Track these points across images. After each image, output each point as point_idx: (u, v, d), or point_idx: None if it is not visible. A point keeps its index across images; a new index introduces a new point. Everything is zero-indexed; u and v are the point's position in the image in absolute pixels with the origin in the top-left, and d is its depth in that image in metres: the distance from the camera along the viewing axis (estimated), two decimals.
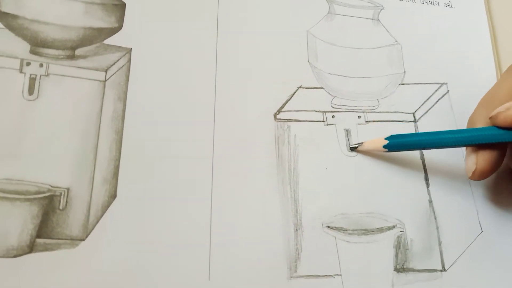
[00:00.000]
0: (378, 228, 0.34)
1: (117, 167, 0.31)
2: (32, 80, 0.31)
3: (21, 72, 0.31)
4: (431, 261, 0.34)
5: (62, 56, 0.32)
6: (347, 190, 0.35)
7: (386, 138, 0.35)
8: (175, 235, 0.31)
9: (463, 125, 0.38)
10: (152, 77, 0.34)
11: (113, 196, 0.31)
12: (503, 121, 0.31)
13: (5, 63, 0.31)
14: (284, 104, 0.36)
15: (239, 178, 0.33)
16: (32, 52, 0.32)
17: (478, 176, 0.33)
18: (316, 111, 0.37)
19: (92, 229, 0.30)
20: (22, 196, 0.29)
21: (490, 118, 0.32)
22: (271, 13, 0.38)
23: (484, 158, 0.32)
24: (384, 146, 0.35)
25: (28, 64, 0.31)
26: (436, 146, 0.34)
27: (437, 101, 0.39)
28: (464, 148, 0.36)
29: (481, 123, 0.33)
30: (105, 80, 0.32)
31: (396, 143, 0.35)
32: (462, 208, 0.36)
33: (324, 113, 0.37)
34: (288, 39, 0.38)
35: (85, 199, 0.30)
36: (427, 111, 0.38)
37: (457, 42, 0.42)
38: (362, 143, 0.36)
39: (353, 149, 0.36)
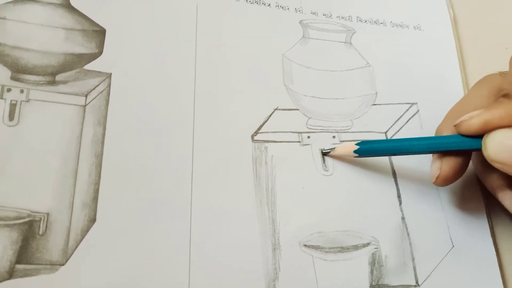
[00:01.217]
0: (353, 246, 0.35)
1: (96, 191, 0.32)
2: (13, 106, 0.31)
3: (1, 98, 0.31)
4: (405, 277, 0.35)
5: (42, 82, 0.32)
6: (323, 208, 0.36)
7: (357, 144, 0.36)
8: (154, 257, 0.31)
9: None
10: (131, 101, 0.34)
11: (92, 220, 0.31)
12: (466, 129, 0.33)
13: None
14: (261, 126, 0.37)
15: (218, 199, 0.34)
16: (13, 78, 0.32)
17: (442, 181, 0.34)
18: (292, 132, 0.38)
19: (72, 253, 0.30)
20: (2, 222, 0.29)
21: (455, 126, 0.33)
22: (248, 37, 0.40)
23: (448, 164, 0.34)
24: (355, 151, 0.36)
25: (9, 90, 0.31)
26: (404, 152, 0.35)
27: (407, 121, 0.41)
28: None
29: (447, 132, 0.35)
30: (85, 105, 0.32)
31: (366, 148, 0.36)
32: (434, 224, 0.38)
33: (300, 134, 0.38)
34: (264, 62, 0.39)
35: (64, 224, 0.31)
36: (398, 130, 0.40)
37: (426, 63, 0.43)
38: (334, 148, 0.37)
39: (325, 153, 0.37)
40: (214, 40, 0.38)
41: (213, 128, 0.36)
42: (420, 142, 0.35)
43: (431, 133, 0.40)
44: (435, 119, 0.41)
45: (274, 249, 0.34)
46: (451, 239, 0.37)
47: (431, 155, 0.36)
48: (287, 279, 0.33)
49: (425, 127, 0.41)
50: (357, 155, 0.36)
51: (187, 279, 0.31)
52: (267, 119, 0.37)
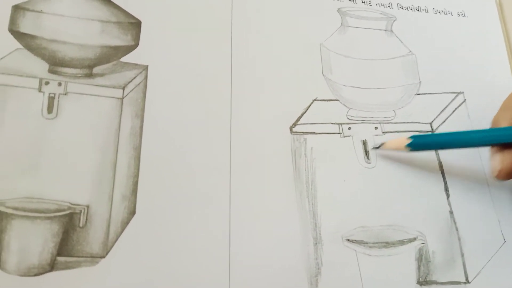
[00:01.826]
0: (399, 241, 0.34)
1: (135, 184, 0.31)
2: (51, 99, 0.31)
3: (40, 91, 0.31)
4: (454, 273, 0.33)
5: (80, 75, 0.32)
6: (366, 202, 0.35)
7: (410, 137, 0.34)
8: (194, 250, 0.31)
9: None
10: (168, 93, 0.34)
11: (132, 212, 0.31)
12: None
13: (24, 83, 0.31)
14: (300, 117, 0.36)
15: (257, 192, 0.33)
16: (51, 71, 0.32)
17: (504, 175, 0.32)
18: (332, 123, 0.36)
19: (112, 246, 0.30)
20: (43, 215, 0.29)
21: None
22: (285, 27, 0.39)
23: (510, 157, 0.32)
24: (408, 145, 0.34)
25: (47, 83, 0.31)
26: (460, 146, 0.34)
27: (454, 110, 0.39)
28: (485, 153, 0.36)
29: (505, 123, 0.33)
30: (123, 98, 0.32)
31: (420, 143, 0.34)
32: (484, 219, 0.36)
33: (340, 125, 0.36)
34: (302, 52, 0.38)
35: (104, 216, 0.30)
36: (444, 121, 0.38)
37: (472, 50, 0.41)
38: (384, 143, 0.35)
39: (376, 148, 0.36)
40: (250, 31, 0.38)
41: (251, 120, 0.35)
42: (478, 135, 0.33)
43: (479, 123, 0.38)
44: (483, 108, 0.39)
45: (316, 243, 0.33)
46: (502, 234, 0.35)
47: (487, 148, 0.34)
48: (330, 274, 0.32)
49: (472, 117, 0.39)
50: (409, 149, 0.34)
51: (227, 273, 0.31)
52: (306, 110, 0.36)
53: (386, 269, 0.33)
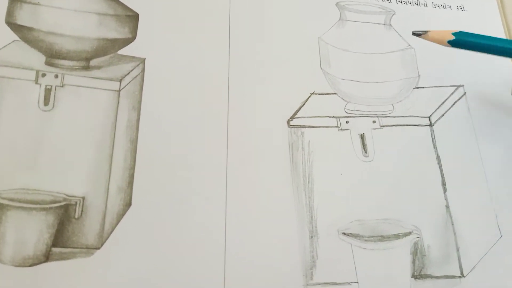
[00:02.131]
0: (394, 235, 0.34)
1: (132, 176, 0.31)
2: (48, 91, 0.31)
3: (36, 83, 0.31)
4: (449, 267, 0.33)
5: (77, 67, 0.32)
6: (362, 196, 0.34)
7: (454, 34, 0.34)
8: (189, 242, 0.31)
9: (481, 128, 0.38)
10: (165, 86, 0.34)
11: (128, 204, 0.31)
12: None
13: (21, 75, 0.31)
14: (297, 111, 0.36)
15: (254, 186, 0.33)
16: (48, 63, 0.32)
17: None
18: (329, 116, 0.36)
19: (108, 237, 0.30)
20: (38, 206, 0.29)
21: None
22: (283, 21, 0.38)
23: None
24: (449, 41, 0.34)
25: (44, 75, 0.31)
26: (501, 53, 0.33)
27: (453, 104, 0.39)
28: (484, 148, 0.36)
29: None
30: (120, 90, 0.32)
31: (463, 41, 0.34)
32: (481, 213, 0.36)
33: (338, 119, 0.36)
34: (300, 46, 0.38)
35: (100, 208, 0.30)
36: (443, 115, 0.38)
37: None
38: (427, 31, 0.35)
39: (416, 35, 0.35)
40: (249, 24, 0.38)
41: (248, 113, 0.35)
42: None
43: (479, 117, 0.38)
44: (483, 102, 0.39)
45: (312, 236, 0.33)
46: (499, 228, 0.35)
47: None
48: (325, 267, 0.32)
49: (472, 110, 0.39)
50: (449, 45, 0.34)
51: (223, 266, 0.31)
52: (304, 104, 0.36)
53: (381, 262, 0.33)
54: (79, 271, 0.29)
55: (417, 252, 0.34)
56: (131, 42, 0.34)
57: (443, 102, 0.38)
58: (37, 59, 0.32)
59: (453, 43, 0.34)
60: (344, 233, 0.33)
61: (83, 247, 0.30)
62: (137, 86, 0.33)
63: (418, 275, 0.33)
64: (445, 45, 0.34)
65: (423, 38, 0.35)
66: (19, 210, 0.29)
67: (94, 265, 0.29)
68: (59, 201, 0.30)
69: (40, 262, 0.29)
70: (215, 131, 0.34)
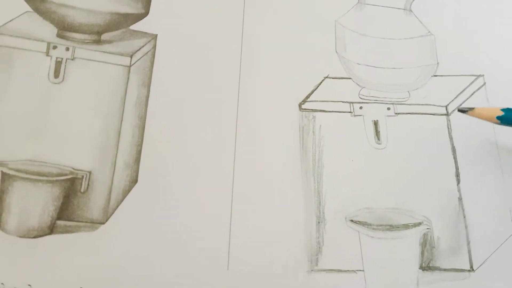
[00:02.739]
0: (403, 225, 0.33)
1: (139, 152, 0.31)
2: (58, 63, 0.31)
3: (47, 55, 0.31)
4: (458, 261, 0.33)
5: (88, 41, 0.32)
6: (373, 183, 0.34)
7: (503, 110, 0.33)
8: (195, 222, 0.30)
9: None
10: (176, 63, 0.34)
11: (134, 181, 0.31)
12: None
13: (32, 46, 0.31)
14: (310, 94, 0.35)
15: (262, 168, 0.33)
16: (59, 36, 0.32)
17: None
18: (343, 101, 0.35)
19: (113, 213, 0.30)
20: (45, 178, 0.29)
21: None
22: (299, 2, 0.38)
23: None
24: (498, 117, 0.33)
25: (55, 47, 0.31)
26: None
27: (472, 94, 0.37)
28: (501, 139, 0.35)
29: None
30: (130, 66, 0.32)
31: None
32: (494, 207, 0.34)
33: (351, 104, 0.36)
34: (315, 28, 0.37)
35: (106, 183, 0.30)
36: (461, 104, 0.37)
37: (495, 33, 0.40)
38: (473, 108, 0.34)
39: (462, 111, 0.34)
40: (264, 4, 0.37)
41: (259, 94, 0.34)
42: None
43: (498, 106, 0.37)
44: (503, 93, 0.38)
45: (319, 222, 0.32)
46: None
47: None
48: (331, 253, 0.32)
49: (491, 101, 0.37)
50: (498, 122, 0.33)
51: (227, 247, 0.30)
52: (317, 87, 0.35)
53: (388, 252, 0.32)
54: (82, 245, 0.29)
55: (426, 244, 0.33)
56: (143, 18, 0.34)
57: (462, 92, 0.37)
58: (48, 31, 0.32)
59: (503, 119, 0.33)
60: (352, 220, 0.33)
61: (88, 221, 0.30)
62: (147, 63, 0.33)
63: (426, 267, 0.32)
64: (495, 122, 0.33)
65: (469, 115, 0.34)
66: (25, 181, 0.29)
67: (98, 239, 0.29)
68: (66, 174, 0.30)
69: (45, 234, 0.29)
70: (225, 111, 0.33)
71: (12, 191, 0.29)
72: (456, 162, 0.35)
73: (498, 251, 0.33)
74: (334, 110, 0.35)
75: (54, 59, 0.31)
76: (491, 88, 0.38)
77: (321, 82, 0.36)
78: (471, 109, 0.34)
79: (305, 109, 0.35)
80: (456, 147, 0.36)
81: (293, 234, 0.32)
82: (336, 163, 0.34)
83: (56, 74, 0.31)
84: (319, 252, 0.32)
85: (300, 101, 0.35)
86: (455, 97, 0.37)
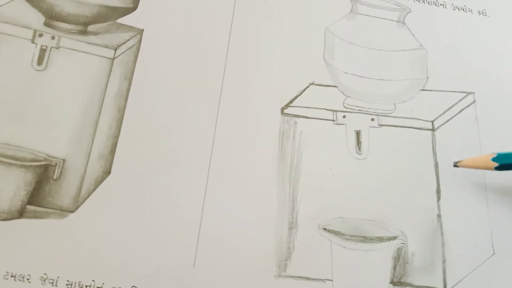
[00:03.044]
0: (378, 237, 0.32)
1: (114, 144, 0.31)
2: (43, 51, 0.31)
3: (32, 42, 0.32)
4: (432, 278, 0.32)
5: (74, 31, 0.32)
6: (350, 193, 0.33)
7: (494, 160, 0.33)
8: (164, 217, 0.30)
9: (486, 138, 0.36)
10: (160, 60, 0.34)
11: (107, 172, 0.31)
12: None
13: (18, 32, 0.32)
14: (293, 99, 0.35)
15: (238, 168, 0.32)
16: (46, 24, 0.32)
17: None
18: (326, 109, 0.35)
19: (83, 202, 0.30)
20: (18, 162, 0.29)
21: None
22: (290, 6, 0.38)
23: None
24: (496, 168, 0.33)
25: (41, 35, 0.32)
26: None
27: (460, 111, 0.37)
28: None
29: None
30: (114, 58, 0.32)
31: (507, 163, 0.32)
32: (474, 227, 0.34)
33: (334, 112, 0.35)
34: (305, 34, 0.37)
35: (79, 172, 0.30)
36: (448, 120, 0.36)
37: (488, 51, 0.39)
38: (461, 160, 0.34)
39: (455, 166, 0.34)
40: (254, 6, 0.37)
41: (242, 96, 0.34)
42: None
43: (487, 126, 0.37)
44: (493, 112, 0.37)
45: (291, 228, 0.32)
46: (492, 245, 0.33)
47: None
48: (300, 260, 0.31)
49: (480, 119, 0.37)
50: (497, 164, 0.33)
51: (195, 245, 0.30)
52: (301, 93, 0.35)
53: (360, 263, 0.32)
54: (50, 231, 0.29)
55: (399, 258, 0.32)
56: (131, 12, 0.34)
57: (450, 108, 0.37)
58: (36, 19, 0.32)
59: (502, 167, 0.32)
60: (324, 229, 0.32)
61: (58, 208, 0.30)
62: (131, 57, 0.33)
63: (397, 282, 0.31)
64: (493, 169, 0.33)
65: (461, 166, 0.34)
66: None
67: (66, 227, 0.29)
68: (40, 160, 0.30)
69: (14, 218, 0.29)
70: (205, 109, 0.33)
71: None
72: (438, 178, 0.35)
73: (474, 272, 0.33)
74: (316, 117, 0.35)
75: (39, 46, 0.31)
76: (481, 106, 0.37)
77: (305, 88, 0.36)
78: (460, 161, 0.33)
79: (287, 114, 0.35)
80: (439, 163, 0.35)
81: (263, 237, 0.31)
82: (314, 170, 0.34)
83: (40, 62, 0.31)
84: (288, 258, 0.31)
85: (283, 105, 0.35)
86: (443, 113, 0.36)
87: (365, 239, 0.32)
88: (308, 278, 0.31)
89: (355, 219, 0.33)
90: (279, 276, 0.30)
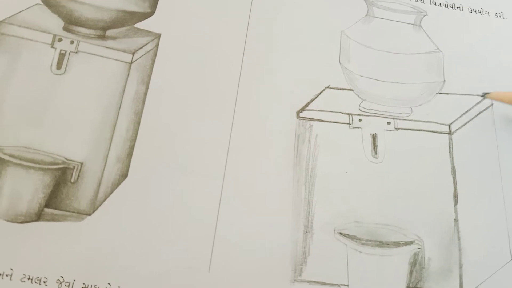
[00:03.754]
0: (394, 242, 0.32)
1: (132, 148, 0.32)
2: (62, 56, 0.32)
3: (52, 47, 0.32)
4: (448, 284, 0.32)
5: (93, 36, 0.33)
6: (366, 197, 0.33)
7: None
8: (180, 221, 0.30)
9: (505, 142, 0.36)
10: (177, 64, 0.34)
11: (124, 175, 0.31)
12: None
13: (38, 37, 0.32)
14: (309, 103, 0.35)
15: (253, 172, 0.32)
16: (65, 29, 0.33)
17: None
18: (342, 112, 0.35)
19: (100, 205, 0.30)
20: (37, 165, 0.30)
21: None
22: (306, 11, 0.38)
23: None
24: None
25: (60, 40, 0.32)
26: None
27: (477, 114, 0.36)
28: (504, 161, 0.34)
29: None
30: (131, 62, 0.32)
31: None
32: (492, 232, 0.33)
33: (350, 116, 0.35)
34: (321, 38, 0.37)
35: (96, 175, 0.31)
36: (465, 124, 0.36)
37: (505, 54, 0.39)
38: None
39: (483, 96, 0.33)
40: (270, 11, 0.37)
41: (258, 99, 0.34)
42: None
43: (505, 129, 0.36)
44: (510, 114, 0.37)
45: (306, 232, 0.32)
46: (510, 251, 0.33)
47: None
48: (316, 265, 0.31)
49: (498, 123, 0.36)
50: None
51: (210, 249, 0.30)
52: (316, 97, 0.35)
53: (376, 268, 0.31)
54: (67, 234, 0.29)
55: (416, 263, 0.32)
56: (149, 17, 0.35)
57: (467, 111, 0.36)
58: (55, 24, 0.33)
59: None
60: (340, 233, 0.32)
61: (75, 211, 0.30)
62: (149, 61, 0.33)
63: (413, 287, 0.31)
64: None
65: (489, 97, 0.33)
66: (18, 167, 0.29)
67: (83, 230, 0.29)
68: (58, 163, 0.30)
69: (32, 220, 0.29)
70: (222, 113, 0.33)
71: (5, 175, 0.29)
72: (455, 182, 0.34)
73: (492, 277, 0.32)
74: (332, 120, 0.35)
75: (58, 51, 0.32)
76: (499, 109, 0.37)
77: (321, 92, 0.35)
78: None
79: (302, 117, 0.34)
80: (456, 167, 0.35)
81: (279, 242, 0.31)
82: (330, 174, 0.33)
83: (59, 66, 0.32)
84: (304, 263, 0.31)
85: (299, 109, 0.35)
86: (460, 116, 0.36)
87: (381, 243, 0.32)
88: (323, 283, 0.31)
89: (371, 224, 0.32)
90: (295, 280, 0.30)
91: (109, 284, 0.28)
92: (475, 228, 0.33)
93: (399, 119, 0.36)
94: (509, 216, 0.34)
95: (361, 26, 0.38)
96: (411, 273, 0.32)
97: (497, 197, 0.35)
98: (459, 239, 0.33)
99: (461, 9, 0.40)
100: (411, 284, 0.31)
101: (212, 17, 0.36)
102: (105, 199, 0.30)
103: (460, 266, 0.32)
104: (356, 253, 0.32)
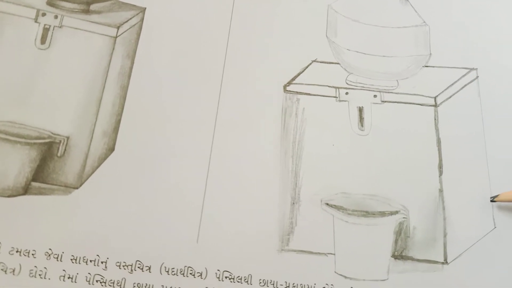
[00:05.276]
0: (380, 212, 0.33)
1: (118, 122, 0.32)
2: (46, 30, 0.32)
3: (36, 21, 0.32)
4: (432, 252, 0.32)
5: (77, 10, 0.33)
6: (352, 169, 0.33)
7: None
8: (168, 194, 0.31)
9: (489, 115, 0.36)
10: (162, 38, 0.34)
11: (111, 149, 0.31)
12: None
13: (21, 12, 0.32)
14: (296, 77, 0.35)
15: (240, 144, 0.33)
16: (49, 3, 0.32)
17: None
18: (329, 86, 0.35)
19: (87, 179, 0.30)
20: (23, 140, 0.30)
21: None
22: None
23: None
24: None
25: (44, 14, 0.32)
26: None
27: (463, 87, 0.37)
28: (489, 136, 0.35)
29: None
30: (116, 37, 0.32)
31: None
32: (476, 201, 0.34)
33: (337, 89, 0.35)
34: (307, 12, 0.37)
35: (83, 149, 0.31)
36: (450, 96, 0.36)
37: (493, 27, 0.39)
38: (498, 195, 0.34)
39: (492, 201, 0.34)
40: None
41: (244, 74, 0.34)
42: None
43: (489, 102, 0.36)
44: (495, 88, 0.37)
45: (293, 203, 0.32)
46: (494, 219, 0.33)
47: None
48: (303, 235, 0.31)
49: (483, 96, 0.37)
50: None
51: (199, 220, 0.31)
52: (303, 70, 0.35)
53: (361, 238, 0.32)
54: (55, 208, 0.29)
55: (401, 232, 0.32)
56: None
57: (452, 84, 0.37)
58: None
59: None
60: (327, 204, 0.32)
61: (62, 185, 0.30)
62: (134, 35, 0.33)
63: (398, 255, 0.32)
64: None
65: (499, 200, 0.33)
66: (4, 142, 0.29)
67: (71, 203, 0.30)
68: (44, 138, 0.30)
69: (19, 194, 0.29)
70: (208, 87, 0.33)
71: None
72: (440, 153, 0.35)
73: (475, 245, 0.33)
74: (319, 94, 0.35)
75: (42, 25, 0.32)
76: (484, 82, 0.37)
77: (308, 65, 0.36)
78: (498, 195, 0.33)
79: (289, 91, 0.35)
80: (441, 139, 0.35)
81: (266, 212, 0.32)
82: (317, 146, 0.34)
83: (43, 41, 0.32)
84: (291, 232, 0.31)
85: (285, 83, 0.35)
86: (445, 89, 0.36)
87: (367, 213, 0.33)
88: (310, 252, 0.31)
89: (357, 194, 0.33)
90: (282, 250, 0.31)
91: (97, 255, 0.29)
92: (459, 198, 0.34)
93: (386, 92, 0.36)
94: (492, 186, 0.35)
95: (348, 0, 0.38)
96: (396, 242, 0.32)
97: (482, 168, 0.35)
98: (443, 208, 0.33)
99: None
100: (396, 253, 0.32)
101: None
102: (92, 173, 0.30)
103: (445, 235, 0.33)
104: (342, 223, 0.32)
